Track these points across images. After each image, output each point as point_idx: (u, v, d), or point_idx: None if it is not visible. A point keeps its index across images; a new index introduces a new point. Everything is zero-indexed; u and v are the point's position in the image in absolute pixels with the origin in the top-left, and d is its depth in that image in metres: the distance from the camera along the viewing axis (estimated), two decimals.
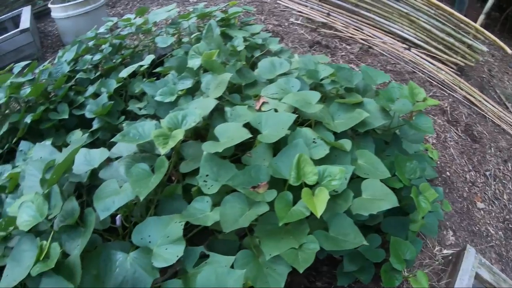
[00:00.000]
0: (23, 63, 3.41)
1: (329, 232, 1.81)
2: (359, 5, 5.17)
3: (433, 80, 4.58)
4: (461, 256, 2.40)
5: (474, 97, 4.50)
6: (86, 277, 1.56)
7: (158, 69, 3.02)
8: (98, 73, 3.33)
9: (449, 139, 3.90)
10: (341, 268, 2.16)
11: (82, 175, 2.00)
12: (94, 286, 1.58)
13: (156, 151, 2.03)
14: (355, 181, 1.99)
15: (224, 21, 3.59)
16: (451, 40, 4.72)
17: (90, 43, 3.56)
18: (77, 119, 2.95)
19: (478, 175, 3.64)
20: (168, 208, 1.89)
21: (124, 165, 1.92)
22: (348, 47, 4.84)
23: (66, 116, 2.85)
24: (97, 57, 3.37)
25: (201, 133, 2.28)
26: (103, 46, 3.52)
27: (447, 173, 3.55)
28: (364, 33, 5.03)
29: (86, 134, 2.15)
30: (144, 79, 3.02)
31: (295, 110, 2.16)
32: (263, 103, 2.23)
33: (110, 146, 2.18)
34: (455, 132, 4.01)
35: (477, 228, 3.14)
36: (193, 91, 2.55)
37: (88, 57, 3.39)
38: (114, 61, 3.42)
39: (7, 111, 3.22)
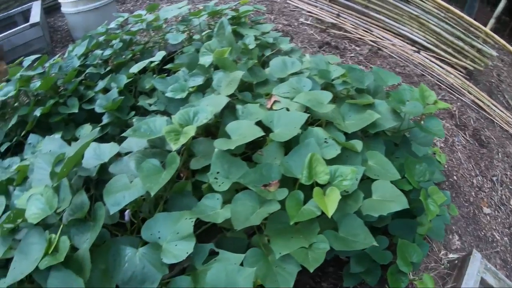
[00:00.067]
0: (33, 57, 3.41)
1: (339, 232, 1.80)
2: (369, 7, 5.16)
3: (442, 84, 4.57)
4: (466, 261, 2.39)
5: (482, 102, 4.49)
6: (94, 271, 1.55)
7: (168, 66, 3.01)
8: (108, 68, 3.33)
9: (457, 143, 3.89)
10: (347, 269, 2.16)
11: (91, 169, 2.00)
12: (102, 281, 1.58)
13: (166, 147, 2.03)
14: (365, 182, 1.98)
15: (234, 20, 3.58)
16: (461, 43, 4.71)
17: (101, 38, 3.56)
18: (86, 113, 2.95)
19: (485, 180, 3.63)
20: (177, 205, 1.89)
21: (135, 160, 1.92)
22: (357, 48, 4.83)
23: (76, 110, 2.86)
24: (108, 52, 3.38)
25: (211, 130, 2.28)
26: (114, 42, 3.53)
27: (454, 177, 3.54)
28: (373, 35, 5.02)
29: (98, 128, 2.15)
30: (154, 75, 3.01)
31: (306, 110, 2.15)
32: (275, 101, 2.23)
33: (119, 141, 2.18)
34: (463, 136, 3.99)
35: (482, 234, 3.13)
36: (203, 88, 2.55)
37: (98, 52, 3.39)
38: (124, 56, 3.42)
39: (16, 104, 3.23)
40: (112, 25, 3.76)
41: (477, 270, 2.30)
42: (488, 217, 3.29)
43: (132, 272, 1.56)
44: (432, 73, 4.66)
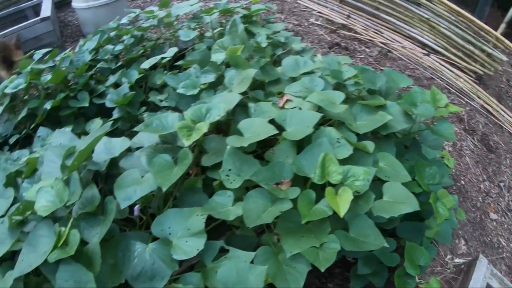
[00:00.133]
0: (43, 50, 3.43)
1: (349, 233, 1.79)
2: (380, 8, 5.14)
3: (451, 88, 4.55)
4: (473, 266, 2.38)
5: (491, 107, 4.46)
6: (103, 266, 1.54)
7: (179, 62, 3.02)
8: (119, 63, 3.34)
9: (465, 147, 3.88)
10: (354, 270, 2.15)
11: (100, 164, 2.00)
12: (111, 276, 1.57)
13: (178, 143, 2.03)
14: (375, 183, 1.98)
15: (246, 18, 3.58)
16: (471, 47, 4.68)
17: (112, 34, 3.57)
18: (97, 108, 2.96)
19: (492, 185, 3.61)
20: (188, 201, 1.88)
21: (146, 155, 1.92)
22: (367, 50, 4.82)
23: (87, 104, 2.86)
24: (119, 47, 3.38)
25: (222, 127, 2.28)
26: (125, 37, 3.53)
27: (462, 181, 3.52)
28: (383, 37, 5.00)
29: (110, 122, 2.15)
30: (165, 72, 3.02)
31: (318, 109, 2.15)
32: (287, 100, 2.22)
33: (129, 136, 2.17)
34: (471, 141, 3.98)
35: (488, 239, 3.12)
36: (215, 86, 2.55)
37: (109, 47, 3.40)
38: (135, 52, 3.42)
39: (26, 97, 3.24)
40: (124, 20, 3.77)
41: (483, 276, 2.29)
42: (495, 223, 3.28)
43: (142, 268, 1.56)
44: (442, 77, 4.64)
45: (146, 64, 2.96)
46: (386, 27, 5.15)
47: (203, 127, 1.83)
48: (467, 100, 4.46)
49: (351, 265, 2.29)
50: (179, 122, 1.88)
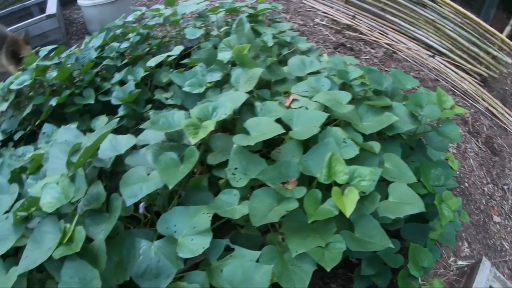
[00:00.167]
0: (49, 47, 3.43)
1: (355, 233, 1.79)
2: (385, 9, 5.13)
3: (456, 89, 4.54)
4: (476, 268, 2.38)
5: (496, 109, 4.45)
6: (108, 263, 1.53)
7: (185, 61, 3.02)
8: (124, 61, 3.35)
9: (469, 150, 3.87)
10: (358, 271, 2.15)
11: (105, 161, 1.99)
12: (116, 273, 1.57)
13: (184, 141, 2.03)
14: (381, 184, 1.97)
15: (252, 17, 3.57)
16: (476, 50, 4.67)
17: (118, 31, 3.58)
18: (102, 105, 2.96)
19: (496, 188, 3.60)
20: (193, 199, 1.88)
21: (152, 153, 1.91)
22: (372, 50, 4.81)
23: (92, 101, 2.87)
24: (125, 45, 3.39)
25: (228, 126, 2.28)
26: (130, 35, 3.54)
27: (466, 184, 3.52)
28: (388, 38, 5.00)
29: (116, 119, 2.15)
30: (171, 70, 3.02)
31: (325, 109, 2.14)
32: (293, 100, 2.22)
33: (134, 133, 2.17)
34: (475, 144, 3.97)
35: (492, 242, 3.12)
36: (221, 84, 2.55)
37: (115, 44, 3.40)
38: (141, 50, 3.42)
39: (31, 93, 3.25)
40: (129, 18, 3.77)
41: (486, 278, 2.29)
42: (498, 226, 3.27)
43: (147, 265, 1.55)
44: (447, 79, 4.63)
45: (152, 62, 2.96)
46: (392, 28, 5.14)
47: (210, 125, 1.83)
48: (472, 103, 4.45)
49: (354, 265, 2.29)
50: (185, 120, 1.88)
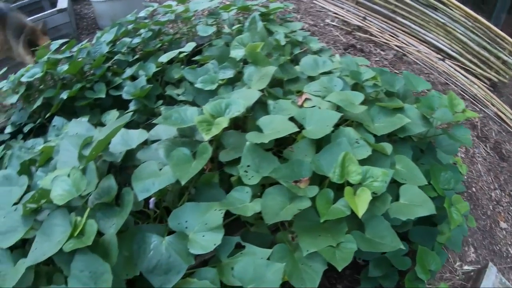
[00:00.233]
0: (60, 41, 3.43)
1: (365, 234, 1.79)
2: (396, 12, 5.12)
3: (465, 94, 4.52)
4: (482, 274, 2.38)
5: (505, 115, 4.43)
6: (118, 257, 1.53)
7: (196, 57, 3.02)
8: (136, 57, 3.35)
9: (478, 155, 3.86)
10: (365, 272, 2.15)
11: (116, 155, 1.99)
12: (126, 268, 1.57)
13: (196, 137, 2.03)
14: (391, 185, 1.97)
15: (264, 16, 3.57)
16: (486, 54, 4.65)
17: (129, 27, 3.58)
18: (112, 99, 2.97)
19: (503, 194, 3.59)
20: (204, 196, 1.88)
21: (164, 148, 1.91)
22: (382, 52, 4.80)
23: (103, 96, 2.87)
24: (136, 40, 3.40)
25: (239, 123, 2.28)
26: (142, 31, 3.54)
27: (473, 189, 3.51)
28: (399, 40, 4.98)
29: (130, 113, 2.15)
30: (182, 66, 3.02)
31: (337, 109, 2.14)
32: (306, 99, 2.22)
33: (144, 128, 2.16)
34: (483, 148, 3.96)
35: (497, 248, 3.11)
36: (233, 82, 2.55)
37: (127, 39, 3.41)
38: (152, 46, 3.43)
39: (41, 86, 3.25)
40: (141, 14, 3.78)
41: (492, 284, 2.29)
42: (504, 232, 3.26)
43: (157, 261, 1.55)
44: (456, 82, 4.61)
45: (164, 58, 2.96)
46: (402, 30, 5.12)
47: (223, 122, 1.83)
48: (481, 107, 4.43)
49: (361, 267, 2.29)
50: (198, 116, 1.88)
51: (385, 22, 5.20)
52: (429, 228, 2.22)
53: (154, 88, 2.81)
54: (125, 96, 2.78)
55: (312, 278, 1.60)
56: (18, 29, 3.92)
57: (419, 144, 2.40)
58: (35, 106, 2.99)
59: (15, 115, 3.18)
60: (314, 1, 5.62)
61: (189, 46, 3.05)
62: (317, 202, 1.68)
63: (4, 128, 3.13)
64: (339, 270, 1.56)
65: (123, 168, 2.05)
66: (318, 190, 1.74)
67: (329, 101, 2.16)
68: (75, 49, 3.27)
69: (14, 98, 3.11)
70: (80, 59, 3.09)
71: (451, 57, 4.88)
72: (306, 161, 1.84)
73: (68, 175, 1.74)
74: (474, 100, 4.48)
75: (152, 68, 2.95)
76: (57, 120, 2.62)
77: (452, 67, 4.76)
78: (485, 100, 4.49)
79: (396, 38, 5.01)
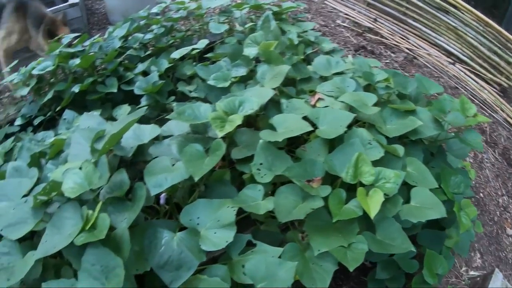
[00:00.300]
0: (72, 35, 3.44)
1: (376, 235, 1.79)
2: (407, 14, 5.10)
3: (475, 98, 4.51)
4: (488, 279, 2.38)
5: None
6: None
7: (208, 55, 3.02)
8: (148, 52, 3.36)
9: (486, 160, 3.85)
10: (372, 274, 2.15)
11: (127, 150, 1.98)
12: (136, 263, 1.56)
13: (208, 134, 2.03)
14: (401, 188, 1.96)
15: (276, 15, 3.56)
16: (497, 59, 4.63)
17: (142, 22, 3.58)
18: (124, 94, 2.97)
19: (511, 201, 3.59)
20: (216, 192, 1.88)
21: (177, 144, 1.92)
22: (392, 55, 4.80)
23: (115, 90, 2.88)
24: (148, 36, 3.40)
25: (251, 121, 2.28)
26: (154, 27, 3.55)
27: (481, 194, 3.51)
28: (409, 43, 4.97)
29: (144, 108, 2.15)
30: (194, 63, 3.02)
31: (349, 110, 2.14)
32: (319, 99, 2.22)
33: (156, 124, 2.17)
34: (492, 154, 3.95)
35: (503, 255, 3.10)
36: (245, 80, 2.56)
37: (139, 35, 3.41)
38: (164, 42, 3.43)
39: (52, 80, 3.26)
40: (154, 10, 3.78)
41: None
42: (511, 239, 3.26)
43: (169, 257, 1.54)
44: (466, 87, 4.60)
45: (177, 54, 2.97)
46: (413, 33, 5.11)
47: (237, 119, 1.83)
48: (490, 112, 4.42)
49: (368, 269, 2.29)
50: (212, 113, 1.88)
51: (396, 24, 5.19)
52: (437, 231, 2.22)
53: (166, 84, 2.82)
54: (137, 91, 2.78)
55: (323, 278, 1.60)
56: (38, 19, 3.92)
57: (429, 147, 2.39)
58: (45, 99, 2.99)
59: (25, 108, 3.18)
60: (325, 2, 5.62)
61: (202, 43, 3.05)
62: (330, 202, 1.68)
63: (14, 120, 3.13)
64: (351, 270, 1.56)
65: (133, 164, 2.05)
66: (330, 190, 1.74)
67: (342, 102, 2.16)
68: (86, 43, 3.28)
69: (24, 91, 3.11)
70: (91, 53, 3.10)
71: (461, 61, 4.86)
72: (319, 161, 1.84)
73: (80, 168, 1.73)
74: (484, 105, 4.47)
75: (165, 64, 2.95)
76: (68, 114, 2.62)
77: (462, 71, 4.75)
78: (494, 105, 4.47)
79: (407, 41, 5.00)
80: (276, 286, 1.50)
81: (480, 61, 4.75)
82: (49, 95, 2.98)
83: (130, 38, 3.43)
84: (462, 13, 4.69)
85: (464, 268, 2.85)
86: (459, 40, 4.87)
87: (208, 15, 3.98)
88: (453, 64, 4.80)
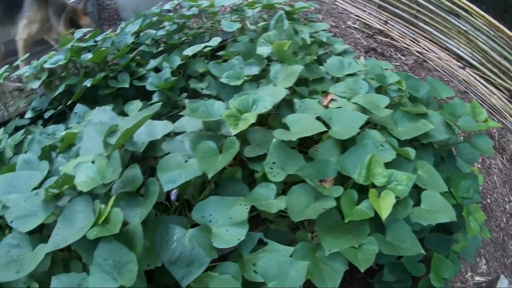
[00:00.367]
0: (84, 30, 3.45)
1: (386, 237, 1.80)
2: (418, 17, 5.08)
3: (484, 103, 4.49)
4: (493, 285, 2.37)
5: None
6: None
7: (221, 53, 3.03)
8: (160, 49, 3.37)
9: (494, 166, 3.84)
10: (379, 277, 2.15)
11: (139, 145, 1.98)
12: (147, 259, 1.57)
13: (222, 131, 2.04)
14: (411, 190, 1.96)
15: (288, 15, 3.56)
16: (507, 64, 4.60)
17: (154, 19, 3.59)
18: (135, 90, 2.97)
19: None
20: (227, 190, 1.89)
21: (190, 140, 1.92)
22: (402, 57, 4.78)
23: (127, 85, 2.88)
24: (161, 33, 3.41)
25: (263, 120, 2.28)
26: (166, 23, 3.56)
27: (488, 200, 3.50)
28: (420, 46, 4.95)
29: (159, 103, 2.15)
30: (206, 60, 3.03)
31: (362, 111, 2.14)
32: (331, 100, 2.23)
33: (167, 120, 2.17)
34: (500, 160, 3.94)
35: (509, 261, 3.10)
36: (258, 78, 2.57)
37: (151, 31, 3.42)
38: (177, 39, 3.44)
39: (64, 74, 3.27)
40: (166, 7, 3.78)
41: None
42: None
43: (180, 253, 1.55)
44: (475, 92, 4.58)
45: (189, 51, 2.96)
46: (423, 36, 5.09)
47: (251, 118, 1.84)
48: (499, 118, 4.40)
49: (374, 271, 2.28)
50: (226, 110, 1.89)
51: (407, 27, 5.17)
52: (445, 236, 2.21)
53: (178, 81, 2.82)
54: (149, 87, 2.78)
55: (333, 278, 1.61)
56: (60, 7, 3.94)
57: (440, 151, 2.39)
58: (56, 93, 3.00)
59: (36, 101, 3.18)
60: (336, 3, 5.61)
61: (215, 41, 3.05)
62: (342, 202, 1.69)
63: (24, 113, 3.14)
64: (362, 271, 1.57)
65: (143, 159, 2.06)
66: (342, 191, 1.75)
67: (355, 103, 2.16)
68: (99, 38, 3.29)
69: (35, 84, 3.12)
70: (103, 48, 3.11)
71: (471, 66, 4.84)
72: (331, 161, 1.85)
73: (93, 162, 1.74)
74: (493, 111, 4.45)
75: (177, 60, 2.95)
76: (79, 108, 2.62)
77: (472, 75, 4.73)
78: (503, 111, 4.46)
79: (417, 44, 4.99)
80: (287, 285, 1.51)
81: (490, 66, 4.73)
82: (60, 89, 2.99)
83: (142, 34, 3.44)
84: (474, 17, 4.67)
85: (469, 274, 2.85)
86: (469, 44, 4.85)
87: (220, 13, 3.98)
88: (463, 68, 4.79)
